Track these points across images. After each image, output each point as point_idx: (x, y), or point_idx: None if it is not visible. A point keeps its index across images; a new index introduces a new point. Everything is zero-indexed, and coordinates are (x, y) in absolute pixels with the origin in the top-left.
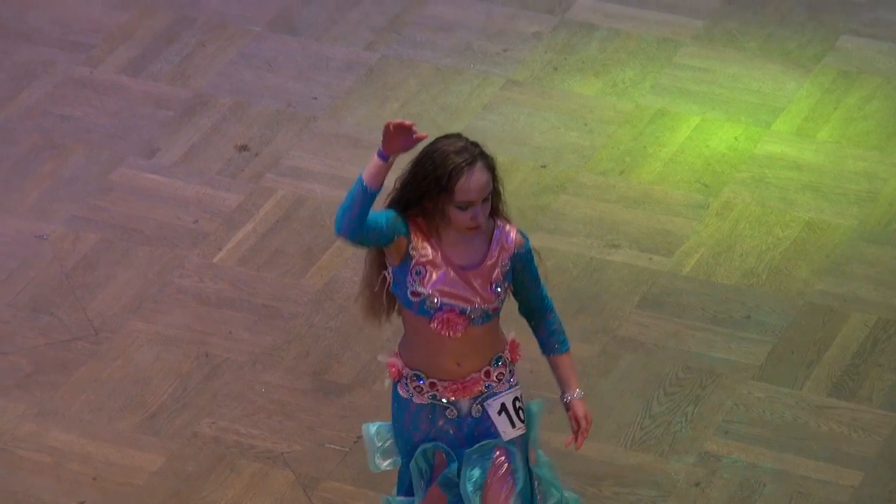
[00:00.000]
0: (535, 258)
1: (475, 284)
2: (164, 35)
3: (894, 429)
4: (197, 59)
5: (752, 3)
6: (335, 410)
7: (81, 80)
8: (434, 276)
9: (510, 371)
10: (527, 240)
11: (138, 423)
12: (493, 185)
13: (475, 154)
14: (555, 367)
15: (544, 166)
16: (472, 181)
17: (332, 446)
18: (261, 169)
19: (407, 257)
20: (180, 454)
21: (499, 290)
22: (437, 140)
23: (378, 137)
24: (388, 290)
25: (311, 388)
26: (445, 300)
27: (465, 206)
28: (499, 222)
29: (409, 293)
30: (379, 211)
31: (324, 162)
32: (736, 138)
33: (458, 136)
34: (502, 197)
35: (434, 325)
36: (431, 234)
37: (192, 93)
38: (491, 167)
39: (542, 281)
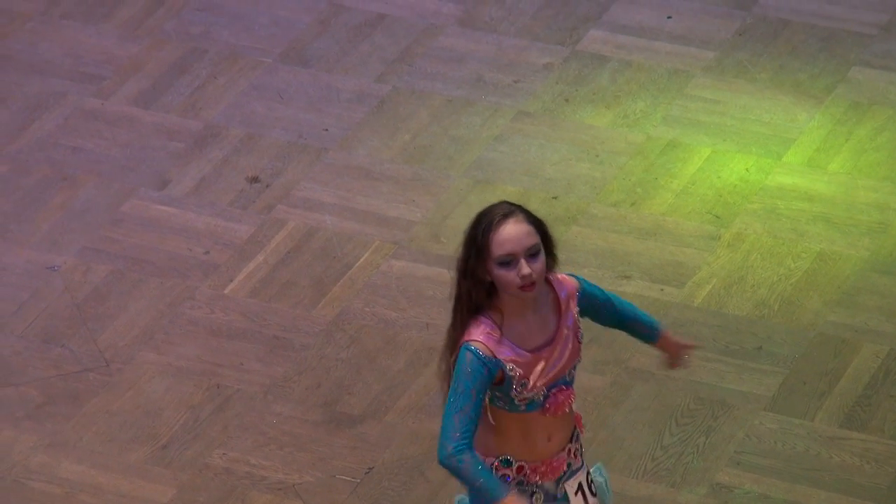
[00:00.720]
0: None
1: (564, 349)
2: (175, 67)
3: None
4: (208, 91)
5: (762, 34)
6: (346, 442)
7: (93, 112)
8: (537, 376)
9: (581, 444)
10: (576, 277)
11: (149, 454)
12: (543, 244)
13: (513, 209)
14: (664, 342)
15: (555, 198)
16: (507, 231)
17: (344, 477)
18: (272, 200)
19: (507, 379)
20: (191, 486)
21: (581, 338)
22: (476, 215)
23: (390, 169)
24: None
25: (322, 420)
26: (551, 385)
27: (507, 262)
28: (549, 278)
29: (516, 402)
30: (464, 392)
31: (335, 193)
32: (747, 170)
33: (504, 201)
34: (556, 259)
35: (548, 414)
36: (495, 328)
37: (204, 124)
38: (533, 222)
39: (606, 290)
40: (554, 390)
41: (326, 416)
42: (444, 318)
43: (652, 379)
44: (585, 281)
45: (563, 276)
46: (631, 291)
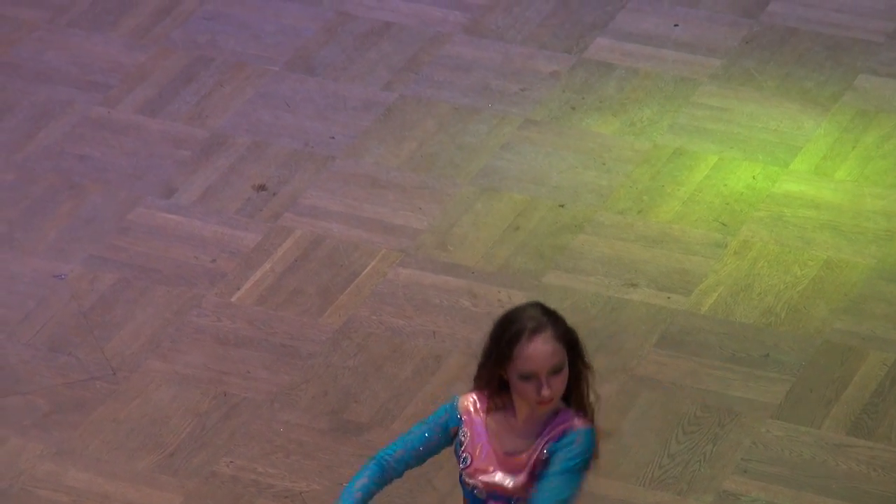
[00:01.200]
0: (581, 456)
1: (517, 472)
2: (181, 75)
3: None
4: (215, 99)
5: (769, 42)
6: (353, 450)
7: (99, 120)
8: (479, 469)
9: None
10: (580, 432)
11: (156, 462)
12: (572, 362)
13: (545, 322)
14: None
15: (562, 205)
16: (533, 348)
17: None
18: (279, 208)
19: (457, 443)
20: (198, 493)
21: (537, 476)
22: (516, 307)
23: (396, 177)
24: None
25: (329, 428)
26: (491, 493)
27: (528, 377)
28: (569, 409)
29: (463, 479)
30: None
31: (342, 201)
32: (754, 177)
33: (537, 304)
34: (588, 382)
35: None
36: (494, 412)
37: (210, 132)
38: (565, 339)
39: (570, 488)
40: (492, 501)
41: (333, 423)
42: (450, 325)
43: (659, 387)
44: (575, 448)
45: (577, 419)
46: (637, 299)
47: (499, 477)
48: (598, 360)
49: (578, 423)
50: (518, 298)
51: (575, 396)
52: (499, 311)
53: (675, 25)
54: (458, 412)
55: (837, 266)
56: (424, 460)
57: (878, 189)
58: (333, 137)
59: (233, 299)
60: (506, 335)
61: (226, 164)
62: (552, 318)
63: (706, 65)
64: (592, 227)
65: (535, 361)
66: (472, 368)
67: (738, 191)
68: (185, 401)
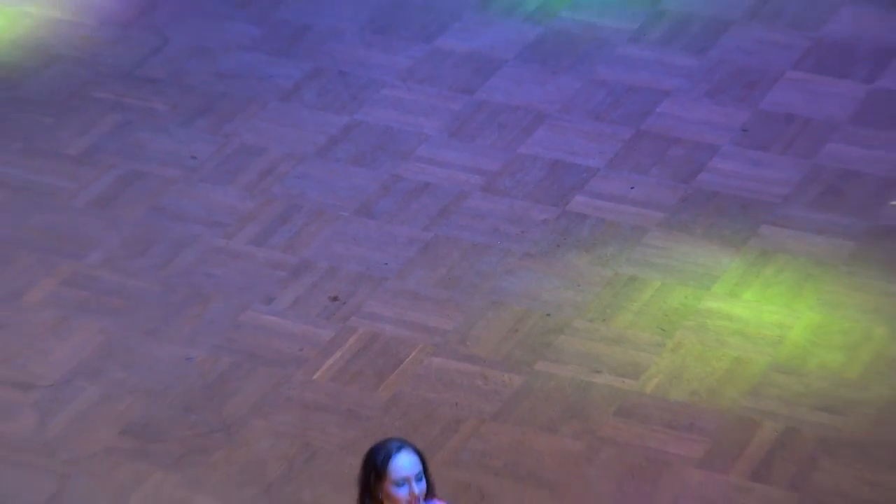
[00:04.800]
0: None
1: None
2: (279, 217)
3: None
4: (302, 235)
5: (699, 201)
6: None
7: (220, 249)
8: None
9: None
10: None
11: (258, 493)
12: (425, 470)
13: (405, 444)
14: None
15: (548, 315)
16: (402, 460)
17: None
18: (347, 314)
19: None
20: None
21: None
22: (378, 441)
23: (432, 293)
24: None
25: None
26: None
27: (401, 483)
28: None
29: None
30: None
31: (393, 310)
32: (685, 297)
33: (394, 438)
34: (432, 482)
35: None
36: None
37: (299, 259)
38: (418, 453)
39: None
40: None
41: None
42: (468, 399)
43: (615, 445)
44: None
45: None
46: (601, 382)
47: None
48: (572, 425)
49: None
50: (517, 380)
51: (429, 496)
52: (504, 390)
53: (632, 188)
54: None
55: (744, 361)
56: None
57: (774, 307)
58: (387, 264)
59: (314, 377)
60: (379, 458)
61: (309, 281)
62: (408, 443)
63: (653, 216)
64: (570, 331)
65: (405, 469)
66: (483, 428)
67: (674, 307)
68: (278, 449)
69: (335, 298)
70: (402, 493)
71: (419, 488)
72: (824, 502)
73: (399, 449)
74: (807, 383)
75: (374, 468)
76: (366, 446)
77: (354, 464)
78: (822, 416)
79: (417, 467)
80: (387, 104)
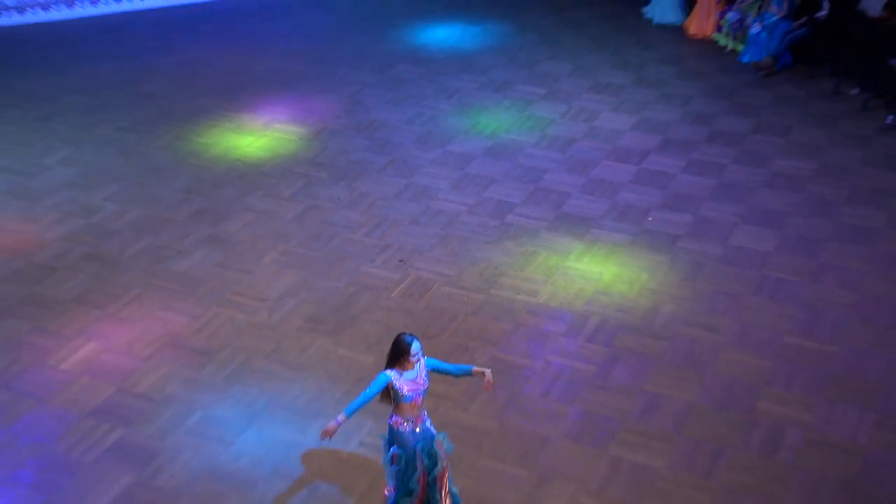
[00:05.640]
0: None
1: (419, 386)
2: (377, 224)
3: None
4: (387, 232)
5: (563, 216)
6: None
7: (350, 238)
8: (406, 390)
9: (426, 417)
10: (428, 359)
11: (366, 347)
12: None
13: (412, 335)
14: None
15: (496, 268)
16: (416, 346)
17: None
18: (406, 267)
19: (395, 388)
20: None
21: (427, 379)
22: (399, 333)
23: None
24: (390, 397)
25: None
26: (412, 393)
27: (413, 354)
28: (421, 359)
29: (401, 395)
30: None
31: (427, 266)
32: (556, 260)
33: (405, 335)
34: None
35: (412, 402)
36: (401, 372)
37: (385, 243)
38: (418, 341)
39: (439, 361)
40: (413, 396)
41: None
42: (459, 306)
43: (525, 325)
44: (430, 359)
45: (423, 361)
46: (519, 298)
47: (412, 387)
48: (506, 317)
49: (423, 361)
50: (481, 298)
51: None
52: (476, 302)
53: (534, 211)
54: (387, 377)
55: (584, 289)
56: (374, 398)
57: (596, 266)
58: (424, 245)
59: (391, 295)
60: (401, 344)
61: (389, 253)
62: (415, 335)
63: (543, 224)
64: (505, 276)
65: (414, 347)
66: (466, 319)
67: (551, 265)
68: (375, 328)
69: (401, 260)
70: (413, 358)
71: (420, 356)
72: (625, 346)
73: (411, 336)
74: (612, 298)
75: (398, 348)
76: (413, 329)
77: (408, 330)
78: (619, 313)
79: (419, 347)
80: (424, 174)
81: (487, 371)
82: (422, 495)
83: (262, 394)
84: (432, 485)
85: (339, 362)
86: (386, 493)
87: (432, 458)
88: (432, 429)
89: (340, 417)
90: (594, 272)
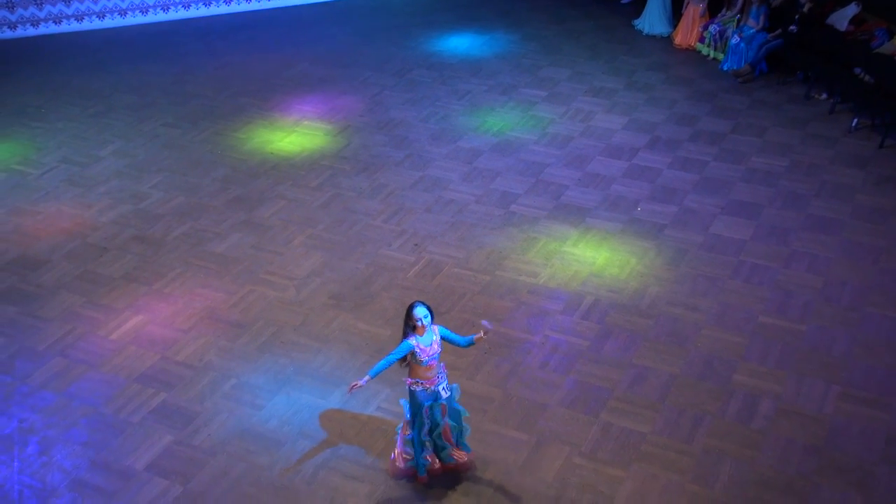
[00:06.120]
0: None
1: (434, 351)
2: (394, 212)
3: None
4: (404, 219)
5: (561, 206)
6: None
7: (370, 224)
8: (424, 355)
9: (442, 377)
10: (440, 328)
11: (383, 322)
12: (431, 315)
13: (424, 303)
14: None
15: (501, 252)
16: (422, 310)
17: None
18: (421, 251)
19: (415, 353)
20: None
21: (440, 345)
22: (412, 303)
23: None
24: (409, 360)
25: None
26: (429, 357)
27: (421, 317)
28: (432, 327)
29: (418, 359)
30: (397, 350)
31: (439, 249)
32: (554, 245)
33: (415, 301)
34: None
35: (428, 366)
36: (418, 339)
37: (402, 228)
38: (429, 308)
39: (451, 331)
40: (429, 360)
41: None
42: (467, 285)
43: (527, 303)
44: (442, 328)
45: (436, 328)
46: (521, 279)
47: (428, 353)
48: (509, 296)
49: (437, 328)
50: (487, 279)
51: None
52: (482, 282)
53: (535, 201)
54: (411, 345)
55: (579, 272)
56: (395, 363)
57: (590, 251)
58: (437, 230)
59: (408, 275)
60: (410, 309)
61: (406, 237)
62: (426, 304)
63: (543, 213)
64: (509, 259)
65: (422, 313)
66: (473, 298)
67: (550, 249)
68: (392, 304)
69: (416, 244)
70: (418, 323)
71: (428, 321)
72: (615, 323)
73: (422, 304)
74: (604, 280)
75: (408, 311)
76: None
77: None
78: (611, 294)
79: (428, 314)
80: (437, 167)
81: (481, 332)
82: (432, 448)
83: (290, 362)
84: (438, 439)
85: (359, 335)
86: (392, 457)
87: (437, 417)
88: (444, 392)
89: (365, 378)
90: (588, 257)
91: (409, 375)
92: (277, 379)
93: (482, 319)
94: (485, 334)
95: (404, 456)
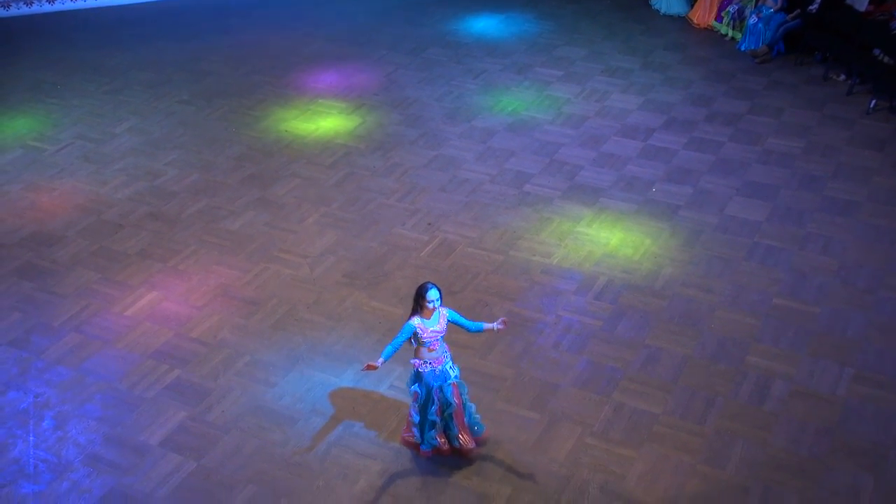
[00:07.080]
0: (451, 311)
1: (438, 332)
2: (408, 192)
3: None
4: (417, 198)
5: (575, 186)
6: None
7: (384, 203)
8: (427, 336)
9: (446, 358)
10: (449, 310)
11: (407, 308)
12: (440, 295)
13: (435, 285)
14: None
15: (515, 232)
16: (434, 292)
17: None
18: (434, 230)
19: (419, 334)
20: None
21: (445, 327)
22: (421, 285)
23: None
24: (414, 340)
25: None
26: (432, 338)
27: (432, 299)
28: (441, 309)
29: (422, 340)
30: (401, 332)
31: (452, 229)
32: (568, 226)
33: (426, 283)
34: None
35: (430, 347)
36: (423, 318)
37: (416, 207)
38: (439, 289)
39: (459, 315)
40: (433, 341)
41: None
42: (480, 265)
43: (540, 283)
44: (451, 311)
45: (445, 310)
46: (535, 259)
47: (432, 333)
48: (523, 276)
49: (444, 311)
50: (501, 258)
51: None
52: (495, 261)
53: (549, 181)
54: (413, 326)
55: (593, 252)
56: (403, 344)
57: (604, 231)
58: (450, 210)
59: (420, 255)
60: (421, 289)
61: (419, 216)
62: (436, 285)
63: (557, 193)
64: (522, 239)
65: (433, 295)
66: (487, 277)
67: (563, 230)
68: (405, 283)
69: (430, 223)
70: (429, 305)
71: (439, 303)
72: (628, 304)
73: (434, 287)
74: (618, 261)
75: (420, 295)
76: (439, 285)
77: (433, 281)
78: (624, 274)
79: (439, 297)
80: (451, 147)
81: (496, 324)
82: (442, 428)
83: (303, 340)
84: (449, 419)
85: (372, 313)
86: (405, 434)
87: (447, 397)
88: (450, 371)
89: (379, 361)
90: (602, 237)
91: (415, 355)
92: (291, 356)
93: (501, 316)
94: (498, 330)
95: (411, 436)
